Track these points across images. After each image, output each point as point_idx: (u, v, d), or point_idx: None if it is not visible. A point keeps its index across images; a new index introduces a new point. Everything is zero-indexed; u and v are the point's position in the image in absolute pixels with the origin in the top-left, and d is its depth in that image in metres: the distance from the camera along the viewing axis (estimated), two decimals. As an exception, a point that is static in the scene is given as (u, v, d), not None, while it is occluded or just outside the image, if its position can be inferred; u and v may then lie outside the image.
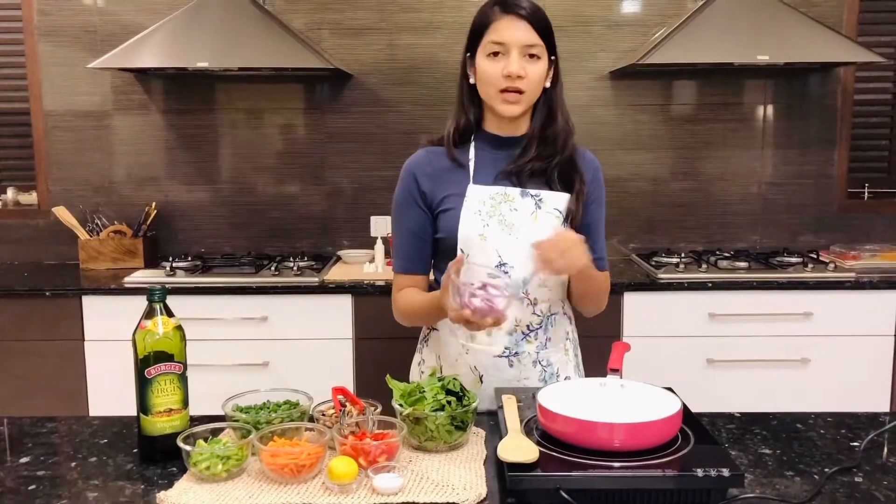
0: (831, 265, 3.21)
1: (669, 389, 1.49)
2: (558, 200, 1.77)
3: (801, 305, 3.06)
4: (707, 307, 3.07)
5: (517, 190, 1.76)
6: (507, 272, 1.73)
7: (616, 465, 1.25)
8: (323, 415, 1.50)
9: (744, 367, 3.08)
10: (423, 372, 1.90)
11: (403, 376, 1.81)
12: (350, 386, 3.07)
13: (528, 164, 1.75)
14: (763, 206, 3.63)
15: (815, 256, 3.36)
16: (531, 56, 1.69)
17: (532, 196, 1.76)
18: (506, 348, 1.76)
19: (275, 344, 3.08)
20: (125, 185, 3.63)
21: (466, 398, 1.49)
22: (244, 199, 3.65)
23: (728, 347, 3.08)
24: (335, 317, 3.09)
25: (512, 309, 1.63)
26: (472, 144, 1.80)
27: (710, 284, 3.06)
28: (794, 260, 3.29)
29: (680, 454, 1.29)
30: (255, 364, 3.07)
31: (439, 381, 1.50)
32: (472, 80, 1.76)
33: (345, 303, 3.08)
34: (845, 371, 3.09)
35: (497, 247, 1.73)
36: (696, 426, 1.40)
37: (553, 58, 1.74)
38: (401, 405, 1.47)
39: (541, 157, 1.76)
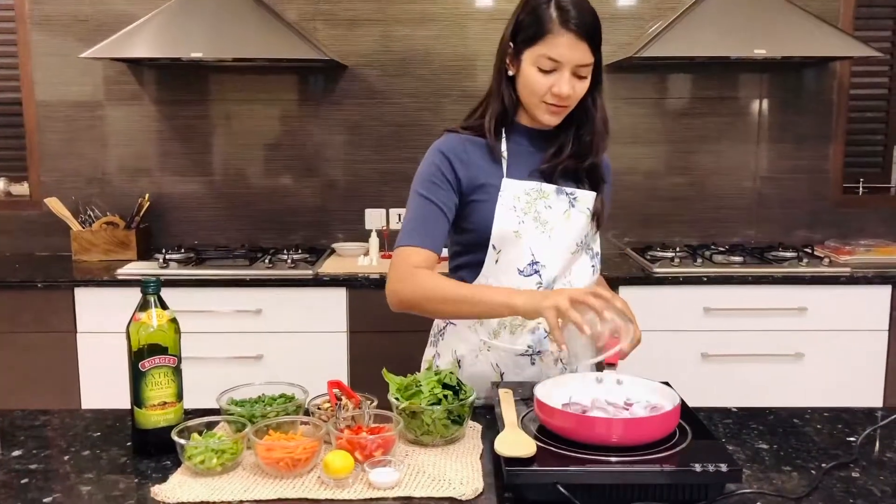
0: (826, 260, 3.21)
1: (667, 384, 1.48)
2: (589, 199, 1.76)
3: (796, 300, 3.07)
4: (702, 301, 3.06)
5: (552, 187, 1.73)
6: (538, 271, 1.71)
7: (613, 459, 1.24)
8: (319, 409, 1.49)
9: (738, 362, 3.08)
10: (438, 367, 1.85)
11: (398, 370, 1.79)
12: (344, 379, 3.04)
13: (561, 164, 1.72)
14: (758, 201, 3.63)
15: (809, 251, 3.37)
16: (580, 75, 1.63)
17: (567, 194, 1.74)
18: (528, 346, 1.73)
19: (269, 337, 3.07)
20: (118, 177, 3.60)
21: (463, 392, 1.48)
22: (238, 190, 3.63)
23: (723, 342, 3.08)
24: (329, 310, 3.07)
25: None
26: (504, 136, 1.74)
27: (705, 279, 3.06)
28: (788, 255, 3.30)
29: (678, 449, 1.28)
30: (249, 357, 3.06)
31: (436, 374, 1.49)
32: (510, 73, 1.69)
33: (339, 296, 3.07)
34: (839, 366, 3.09)
35: (531, 245, 1.70)
36: (693, 421, 1.39)
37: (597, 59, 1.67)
38: (397, 399, 1.46)
39: (575, 157, 1.73)
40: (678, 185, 3.62)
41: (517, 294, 1.55)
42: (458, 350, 1.79)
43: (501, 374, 1.75)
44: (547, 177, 1.73)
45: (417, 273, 1.66)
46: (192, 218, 3.64)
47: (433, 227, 1.69)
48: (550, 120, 1.68)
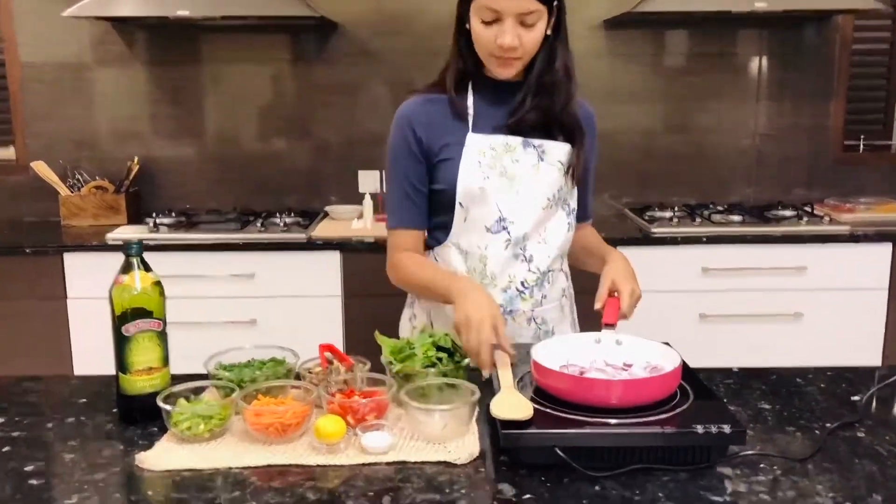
0: (826, 218, 3.17)
1: (667, 345, 1.44)
2: (560, 151, 1.71)
3: (795, 259, 3.03)
4: (700, 261, 3.03)
5: (519, 140, 1.69)
6: (506, 228, 1.67)
7: (613, 422, 1.20)
8: (309, 372, 1.45)
9: (737, 322, 3.05)
10: (414, 327, 1.85)
11: (393, 333, 1.78)
12: (339, 344, 3.03)
13: (526, 116, 1.68)
14: (757, 159, 3.58)
15: (809, 210, 3.32)
16: (527, 24, 1.56)
17: (535, 147, 1.69)
18: (500, 306, 1.70)
19: (262, 301, 3.03)
20: (106, 140, 3.53)
21: (458, 354, 1.44)
22: (229, 153, 3.56)
23: (721, 302, 3.04)
24: (323, 274, 3.03)
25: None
26: (471, 91, 1.71)
27: (703, 239, 3.02)
28: (788, 213, 3.25)
29: (679, 410, 1.24)
30: (242, 322, 3.02)
31: (430, 337, 1.45)
32: (467, 26, 1.64)
33: (333, 259, 3.02)
34: (839, 325, 3.06)
35: (497, 201, 1.67)
36: (694, 382, 1.35)
37: (557, 3, 1.61)
38: (391, 362, 1.42)
39: (539, 107, 1.68)
40: (676, 144, 3.56)
41: (457, 284, 1.58)
42: (432, 311, 1.78)
43: None
44: (515, 130, 1.69)
45: (396, 264, 1.74)
46: (182, 182, 3.57)
47: (410, 203, 1.72)
48: (502, 73, 1.64)
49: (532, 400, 1.27)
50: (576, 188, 1.78)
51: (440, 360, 1.40)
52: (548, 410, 1.24)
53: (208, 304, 2.99)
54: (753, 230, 3.06)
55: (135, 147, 3.52)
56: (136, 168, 3.45)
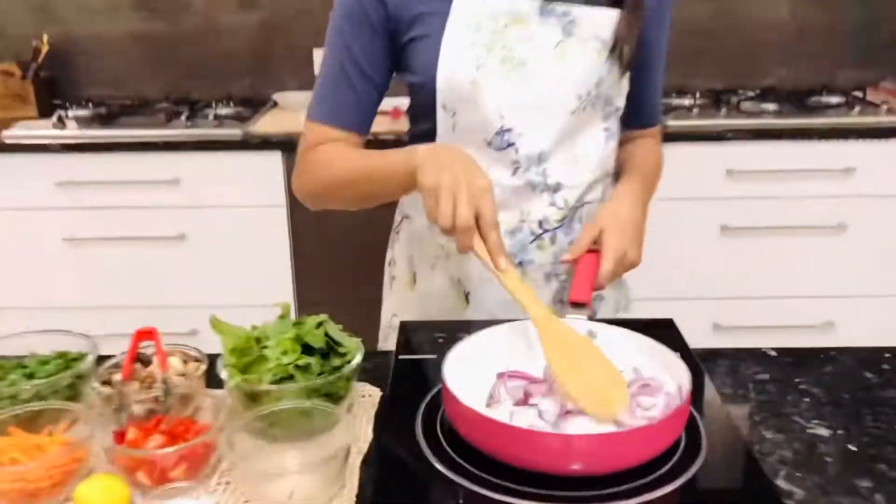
0: (882, 107, 2.62)
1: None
2: (601, 22, 1.14)
3: (842, 159, 2.51)
4: (725, 162, 2.51)
5: (535, 4, 1.12)
6: (512, 143, 1.14)
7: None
8: (105, 384, 0.93)
9: (766, 235, 2.56)
10: (393, 277, 1.35)
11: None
12: (287, 267, 2.53)
13: None
14: (798, 32, 2.98)
15: (861, 96, 2.77)
16: None
17: (559, 16, 1.13)
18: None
19: (191, 212, 2.54)
20: (11, 14, 2.96)
21: (340, 355, 0.92)
22: (161, 29, 2.98)
23: (748, 211, 2.55)
24: (264, 178, 2.52)
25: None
26: None
27: (729, 134, 2.50)
28: (834, 100, 2.72)
29: (682, 481, 0.73)
30: (169, 237, 2.53)
31: (294, 325, 0.92)
32: None
33: (275, 161, 2.50)
34: (889, 239, 2.58)
35: (498, 102, 1.13)
36: (706, 405, 0.84)
37: None
38: (227, 371, 0.90)
39: None
40: (700, 14, 2.96)
41: (416, 149, 1.06)
42: (414, 256, 1.27)
43: (466, 295, 1.22)
44: None
45: (311, 156, 1.22)
46: (106, 66, 3.01)
47: (349, 90, 1.19)
48: None
49: (438, 455, 0.77)
50: (627, 78, 1.22)
51: (304, 368, 0.88)
52: (457, 480, 0.73)
53: (127, 215, 2.53)
54: (790, 122, 2.55)
55: (45, 22, 2.95)
56: (45, 48, 2.88)
